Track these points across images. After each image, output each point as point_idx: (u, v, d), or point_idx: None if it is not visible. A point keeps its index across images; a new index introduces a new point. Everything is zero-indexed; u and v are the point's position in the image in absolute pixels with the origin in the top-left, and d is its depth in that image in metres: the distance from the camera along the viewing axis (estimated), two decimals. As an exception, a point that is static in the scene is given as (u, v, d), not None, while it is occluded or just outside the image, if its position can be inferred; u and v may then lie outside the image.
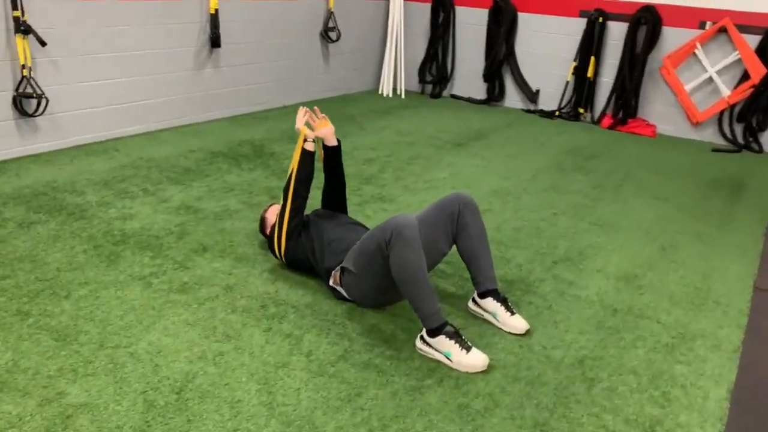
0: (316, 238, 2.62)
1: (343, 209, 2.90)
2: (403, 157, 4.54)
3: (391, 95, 6.84)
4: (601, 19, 5.85)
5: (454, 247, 2.55)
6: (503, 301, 2.43)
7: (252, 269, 2.72)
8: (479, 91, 6.72)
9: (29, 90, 3.79)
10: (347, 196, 2.94)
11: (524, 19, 6.31)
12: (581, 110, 6.12)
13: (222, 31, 4.96)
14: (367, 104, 6.28)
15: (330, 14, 6.08)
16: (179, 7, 4.65)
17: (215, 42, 4.92)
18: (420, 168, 4.33)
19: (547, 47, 6.26)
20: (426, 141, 5.04)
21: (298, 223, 2.62)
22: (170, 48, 4.67)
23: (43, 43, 3.78)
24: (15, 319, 2.25)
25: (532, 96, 6.41)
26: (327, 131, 2.71)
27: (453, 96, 6.95)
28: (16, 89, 3.78)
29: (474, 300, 2.51)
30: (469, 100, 6.79)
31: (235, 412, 1.87)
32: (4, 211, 3.13)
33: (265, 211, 2.93)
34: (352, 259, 2.39)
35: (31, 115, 3.88)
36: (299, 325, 2.35)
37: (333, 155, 2.79)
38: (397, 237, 2.17)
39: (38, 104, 3.85)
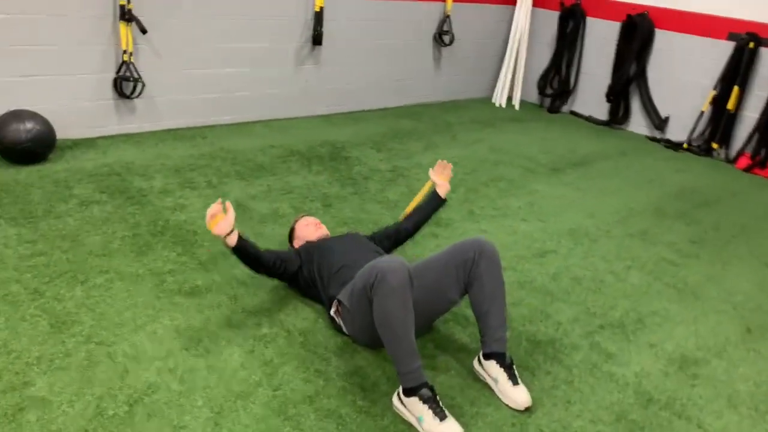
0: (325, 262, 2.48)
1: (385, 251, 2.73)
2: (483, 177, 4.25)
3: (504, 105, 6.49)
4: (752, 45, 5.06)
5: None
6: (508, 368, 2.14)
7: (267, 281, 2.65)
8: (602, 110, 6.15)
9: (128, 74, 4.03)
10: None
11: (661, 36, 5.65)
12: (715, 145, 5.37)
13: (326, 29, 4.96)
14: (473, 113, 6.00)
15: (446, 18, 5.86)
16: (284, 3, 4.70)
17: (317, 40, 4.92)
18: (497, 192, 4.03)
19: (683, 70, 5.55)
20: (518, 161, 4.69)
21: (287, 274, 2.48)
22: (271, 42, 4.75)
23: (144, 31, 3.99)
24: (28, 297, 2.37)
25: (659, 123, 5.75)
26: (444, 182, 2.85)
27: (572, 113, 6.44)
28: (117, 72, 4.03)
29: (479, 359, 2.24)
30: (590, 119, 6.25)
31: (173, 439, 1.81)
32: (75, 187, 3.35)
33: (296, 222, 2.85)
34: (347, 294, 2.23)
35: (129, 97, 4.12)
36: (283, 352, 2.24)
37: (432, 207, 2.84)
38: (380, 282, 1.98)
39: (134, 88, 4.09)
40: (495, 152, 4.86)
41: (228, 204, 2.20)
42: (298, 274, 2.51)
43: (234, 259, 2.33)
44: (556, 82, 6.47)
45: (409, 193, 3.80)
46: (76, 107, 3.97)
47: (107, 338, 2.20)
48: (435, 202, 2.83)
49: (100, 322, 2.28)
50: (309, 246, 2.60)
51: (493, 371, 2.16)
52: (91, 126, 4.08)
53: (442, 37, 5.93)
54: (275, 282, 2.64)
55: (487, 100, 6.61)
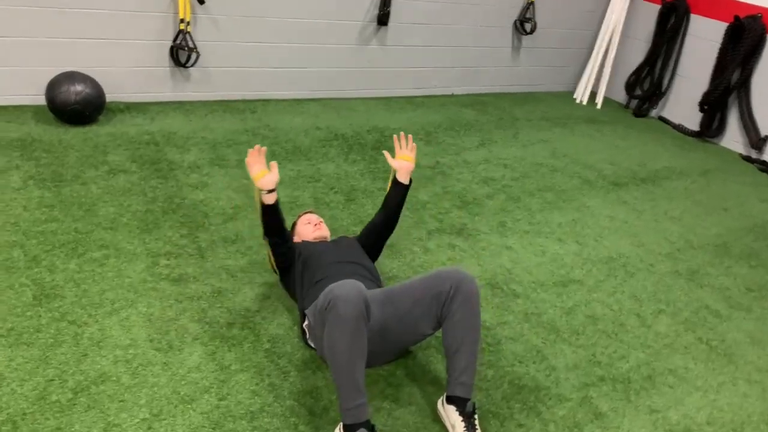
0: (309, 269, 2.39)
1: (372, 255, 2.60)
2: (530, 185, 3.97)
3: (584, 103, 6.03)
4: None
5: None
6: (467, 416, 1.97)
7: (257, 277, 2.61)
8: (694, 119, 5.57)
9: (183, 43, 4.07)
10: (420, 223, 2.77)
11: (773, 44, 4.98)
12: (818, 175, 4.72)
13: (394, 8, 4.77)
14: (546, 109, 5.62)
15: (529, 5, 5.47)
16: (350, -20, 4.56)
17: (383, 19, 4.75)
18: (540, 204, 3.74)
19: (793, 85, 4.88)
20: (578, 170, 4.34)
21: (284, 258, 2.41)
22: (335, 19, 4.63)
23: (201, 1, 4.00)
24: (24, 265, 2.46)
25: (757, 141, 5.12)
26: (402, 165, 2.49)
27: (661, 118, 5.89)
28: (174, 40, 4.09)
29: (443, 400, 2.08)
30: (679, 128, 5.69)
31: (103, 437, 1.82)
32: (111, 153, 3.45)
33: (299, 217, 2.77)
34: (312, 309, 2.14)
35: (184, 66, 4.18)
36: (244, 359, 2.19)
37: (396, 194, 2.53)
38: (330, 309, 1.86)
39: (188, 57, 4.13)
40: (555, 157, 4.52)
41: (273, 163, 2.23)
42: (292, 269, 2.43)
43: (232, 250, 2.29)
44: (647, 83, 5.92)
45: (442, 194, 3.62)
46: (133, 72, 4.07)
47: (80, 318, 2.24)
48: (397, 189, 2.52)
49: (80, 300, 2.33)
50: (304, 245, 2.51)
51: (452, 417, 2.00)
52: (146, 91, 4.18)
53: (523, 24, 5.56)
54: (265, 279, 2.59)
55: (567, 95, 6.17)
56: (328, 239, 2.65)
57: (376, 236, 2.61)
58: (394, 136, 2.54)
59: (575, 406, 2.22)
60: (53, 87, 3.59)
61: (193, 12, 4.08)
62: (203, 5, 4.05)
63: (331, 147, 4.03)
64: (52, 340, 2.12)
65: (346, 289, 1.88)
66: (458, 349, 2.03)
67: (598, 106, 5.97)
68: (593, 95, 6.09)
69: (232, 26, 4.27)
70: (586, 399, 2.26)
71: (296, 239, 2.67)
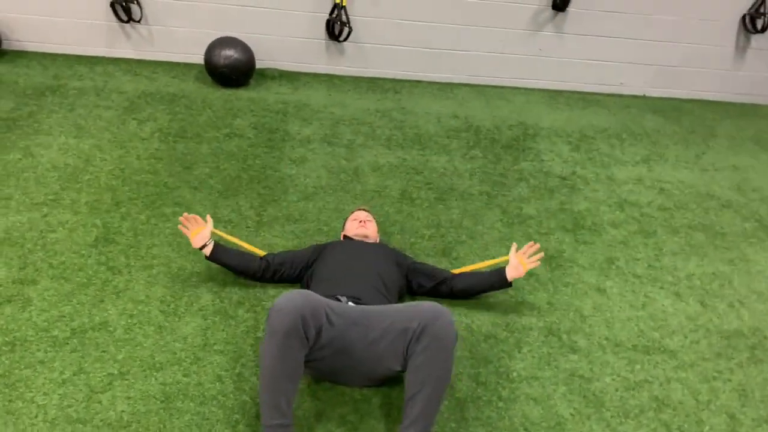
0: (320, 269, 2.28)
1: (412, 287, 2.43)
2: (680, 220, 3.25)
3: (830, 126, 4.71)
4: None
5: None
6: (407, 475, 1.71)
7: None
8: None
9: (338, 17, 4.12)
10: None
11: None
12: None
13: (576, -8, 4.23)
14: (765, 128, 4.52)
15: (764, -5, 4.40)
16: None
17: (560, 4, 4.24)
18: (678, 246, 3.05)
19: None
20: (761, 212, 3.43)
21: (279, 278, 2.42)
22: (505, 1, 4.27)
23: (357, -24, 3.99)
24: (106, 208, 2.76)
25: None
26: (517, 267, 2.37)
27: None
28: (330, 14, 4.16)
29: (393, 447, 1.84)
30: None
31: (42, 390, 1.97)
32: (240, 117, 3.68)
33: (352, 212, 2.66)
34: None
35: (338, 40, 4.24)
36: (231, 342, 2.18)
37: (488, 284, 2.41)
38: (267, 319, 1.74)
39: (341, 31, 4.18)
40: (739, 190, 3.63)
41: (208, 217, 2.34)
42: (302, 274, 2.37)
43: (288, 229, 2.56)
44: None
45: (555, 211, 3.16)
46: (290, 42, 4.26)
47: (119, 266, 2.45)
48: (497, 278, 2.36)
49: (128, 249, 2.54)
50: (331, 244, 2.41)
51: (391, 469, 1.75)
52: (301, 62, 4.35)
53: (754, 20, 4.50)
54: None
55: (807, 114, 4.88)
56: (370, 239, 2.49)
57: (431, 287, 2.41)
58: (530, 245, 2.37)
59: (564, 506, 1.79)
60: (209, 50, 3.93)
61: (351, -14, 4.09)
62: (360, -20, 4.03)
63: (457, 139, 3.77)
64: (85, 281, 2.36)
65: (285, 301, 1.73)
66: (414, 396, 1.76)
67: None
68: None
69: (390, 2, 4.18)
70: (584, 503, 1.80)
71: (342, 234, 2.57)
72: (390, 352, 1.84)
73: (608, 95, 4.71)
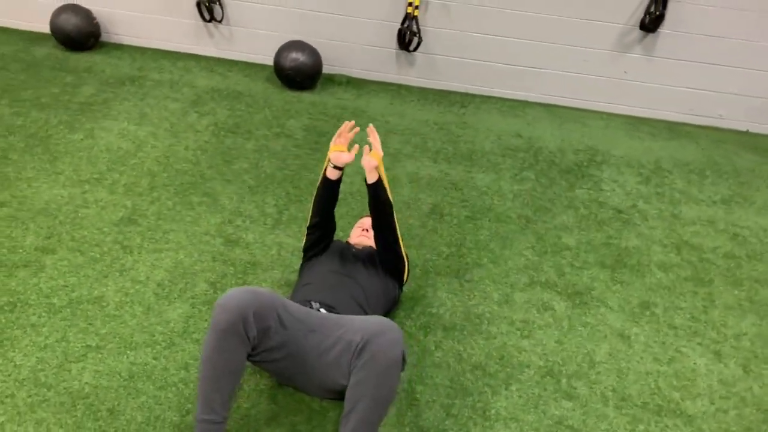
0: (308, 269, 2.24)
1: (392, 273, 2.25)
2: (746, 272, 2.86)
3: None
4: None
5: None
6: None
7: (298, 263, 2.55)
8: None
9: (408, 27, 4.09)
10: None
11: None
12: None
13: (671, 12, 3.89)
14: None
15: None
16: (613, -27, 3.86)
17: (650, 25, 3.92)
18: (734, 300, 2.67)
19: None
20: None
21: (312, 242, 2.28)
22: (588, 18, 4.01)
23: (429, -14, 3.93)
24: (140, 191, 2.90)
25: None
26: (366, 163, 2.11)
27: None
28: (402, 23, 4.13)
29: (328, 465, 1.74)
30: None
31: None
32: (294, 118, 3.74)
33: (361, 218, 2.60)
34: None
35: (408, 50, 4.21)
36: (209, 332, 2.20)
37: (370, 195, 2.14)
38: (213, 310, 1.72)
39: (410, 41, 4.13)
40: (833, 245, 3.12)
41: (356, 147, 2.16)
42: (312, 259, 2.32)
43: (304, 230, 2.29)
44: None
45: (598, 246, 2.91)
46: (360, 49, 4.28)
47: (132, 245, 2.55)
48: (369, 189, 2.12)
49: (146, 231, 2.64)
50: (333, 244, 2.35)
51: (315, 488, 1.66)
52: (370, 69, 4.36)
53: None
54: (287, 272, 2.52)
55: None
56: (356, 247, 2.39)
57: (380, 251, 2.22)
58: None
59: None
60: (279, 52, 4.04)
61: (424, -4, 4.03)
62: (432, -10, 3.97)
63: (511, 158, 3.58)
64: (98, 256, 2.48)
65: (229, 297, 1.70)
66: (348, 414, 1.66)
67: None
68: None
69: (464, 14, 4.08)
70: None
71: (348, 238, 2.52)
72: (335, 365, 1.75)
73: (701, 127, 4.27)
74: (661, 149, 3.89)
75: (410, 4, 4.02)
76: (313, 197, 2.25)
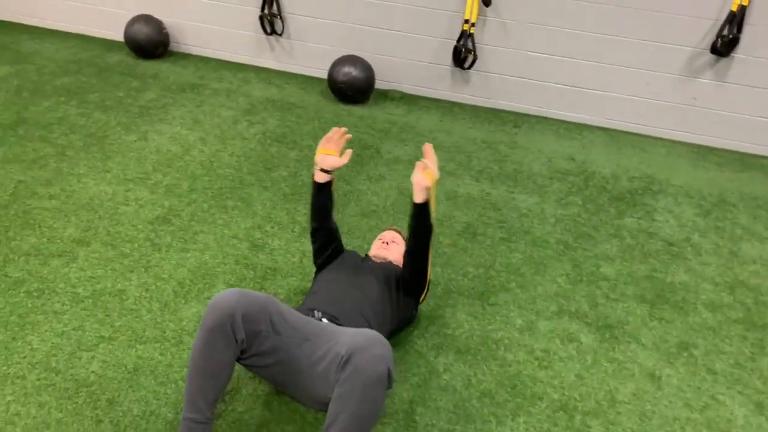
0: (318, 277, 2.22)
1: (411, 293, 2.19)
2: (765, 317, 2.58)
3: None
4: None
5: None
6: None
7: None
8: None
9: (464, 44, 4.04)
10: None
11: None
12: None
13: (748, 37, 3.64)
14: None
15: None
16: (683, -6, 3.65)
17: (722, 49, 3.68)
18: (748, 348, 2.42)
19: None
20: None
21: (320, 252, 2.28)
22: (653, 40, 3.82)
23: (486, 3, 3.87)
24: (180, 193, 2.99)
25: None
26: (418, 181, 1.94)
27: None
28: (458, 40, 4.09)
29: (307, 479, 1.69)
30: None
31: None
32: (364, 129, 3.75)
33: (383, 231, 2.55)
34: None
35: (462, 67, 4.15)
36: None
37: (414, 215, 2.00)
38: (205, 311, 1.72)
39: (465, 58, 4.08)
40: None
41: (348, 152, 2.10)
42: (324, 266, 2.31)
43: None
44: None
45: (640, 279, 2.74)
46: (414, 65, 4.27)
47: (161, 244, 2.62)
48: (413, 213, 1.99)
49: (178, 232, 2.71)
50: (345, 254, 2.32)
51: (289, 500, 1.62)
52: (423, 86, 4.33)
53: None
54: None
55: None
56: (373, 259, 2.35)
57: (409, 282, 2.14)
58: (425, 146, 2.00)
59: None
60: (333, 66, 4.09)
61: (481, 14, 3.97)
62: (489, 7, 3.91)
63: (560, 181, 3.43)
64: (127, 252, 2.57)
65: (220, 297, 1.70)
66: (327, 428, 1.61)
67: None
68: None
69: (522, 33, 3.98)
70: None
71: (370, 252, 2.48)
72: (324, 376, 1.70)
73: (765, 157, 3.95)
74: (728, 181, 3.61)
75: (466, 21, 3.97)
76: (309, 209, 2.25)
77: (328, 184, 2.15)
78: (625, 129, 4.13)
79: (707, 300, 2.62)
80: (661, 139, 4.07)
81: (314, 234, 2.26)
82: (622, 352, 2.30)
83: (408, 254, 2.09)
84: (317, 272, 2.28)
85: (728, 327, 2.47)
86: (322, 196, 2.18)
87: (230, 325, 1.66)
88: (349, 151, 2.08)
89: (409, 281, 2.14)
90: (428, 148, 1.99)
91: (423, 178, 1.93)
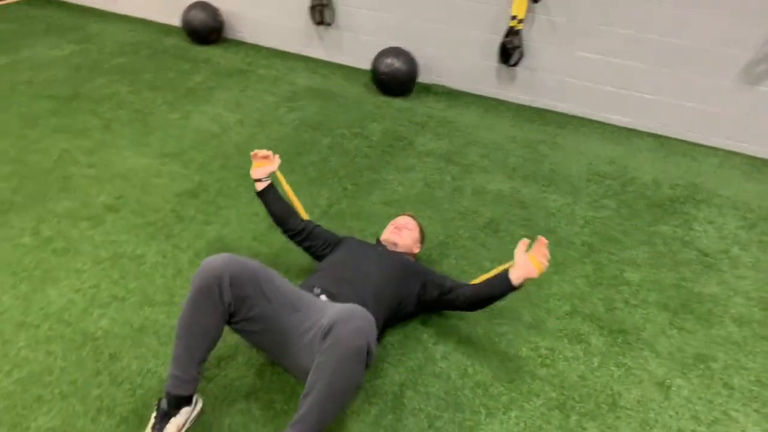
0: (328, 258, 2.24)
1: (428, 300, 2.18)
2: None
3: None
4: None
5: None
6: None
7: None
8: None
9: (510, 40, 3.97)
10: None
11: None
12: None
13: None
14: None
15: None
16: (745, -5, 3.46)
17: (783, 53, 3.46)
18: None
19: None
20: None
21: (309, 251, 2.37)
22: (711, 45, 3.64)
23: (535, 0, 3.80)
24: (210, 169, 3.09)
25: None
26: (527, 264, 1.92)
27: None
28: (505, 36, 4.02)
29: (283, 445, 1.71)
30: None
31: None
32: (377, 121, 3.77)
33: (402, 217, 2.54)
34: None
35: (509, 64, 4.09)
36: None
37: (496, 289, 1.98)
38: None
39: (511, 56, 4.01)
40: None
41: (276, 157, 2.30)
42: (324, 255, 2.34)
43: (344, 225, 2.34)
44: None
45: (667, 287, 2.61)
46: (461, 60, 4.23)
47: (187, 216, 2.71)
48: (500, 281, 1.95)
49: (203, 205, 2.79)
50: (351, 240, 2.33)
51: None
52: (468, 82, 4.29)
53: None
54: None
55: None
56: (399, 248, 2.35)
57: (437, 298, 2.13)
58: (539, 238, 1.92)
59: None
60: (377, 57, 4.12)
61: (530, 11, 3.90)
62: (538, 3, 3.83)
63: (596, 184, 3.32)
64: (152, 220, 2.67)
65: (210, 260, 1.74)
66: (305, 396, 1.62)
67: None
68: None
69: (572, 32, 3.88)
70: None
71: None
72: (309, 347, 1.71)
73: (843, 178, 3.67)
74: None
75: (513, 18, 3.90)
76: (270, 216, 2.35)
77: (267, 190, 2.29)
78: (677, 136, 3.95)
79: (736, 314, 2.47)
80: (714, 148, 3.87)
81: (291, 239, 2.35)
82: (633, 358, 2.20)
83: (474, 297, 2.04)
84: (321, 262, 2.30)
85: (754, 343, 2.32)
86: (269, 203, 2.30)
87: (217, 288, 1.70)
88: (276, 155, 2.31)
89: (453, 305, 2.12)
90: (542, 242, 1.91)
91: (532, 268, 1.89)
